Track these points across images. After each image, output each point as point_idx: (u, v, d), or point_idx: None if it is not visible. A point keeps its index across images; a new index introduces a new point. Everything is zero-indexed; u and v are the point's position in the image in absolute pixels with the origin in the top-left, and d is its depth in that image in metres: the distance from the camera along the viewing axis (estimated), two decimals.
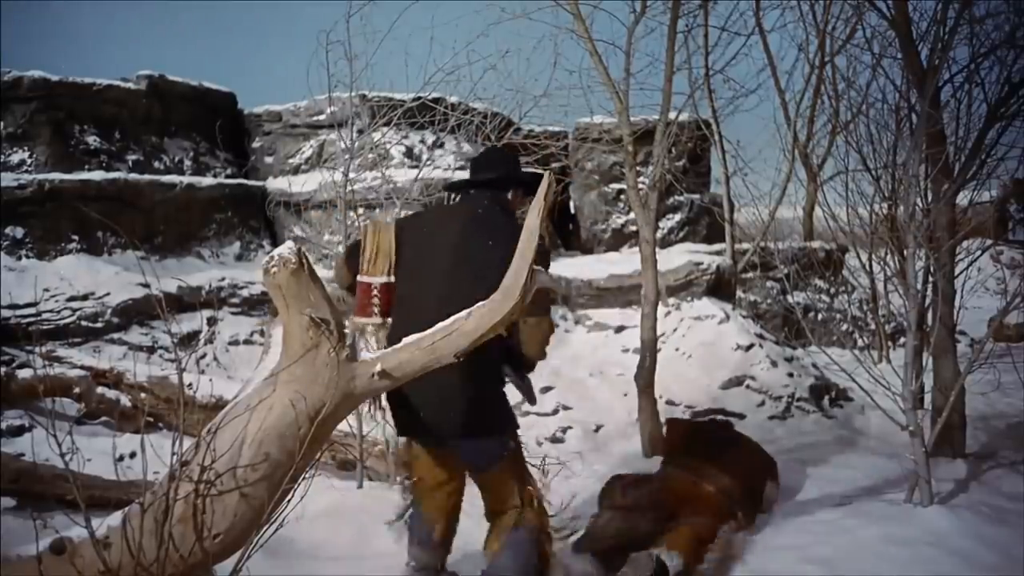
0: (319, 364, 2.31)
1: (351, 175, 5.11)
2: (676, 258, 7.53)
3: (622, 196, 8.86)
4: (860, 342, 8.88)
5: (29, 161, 7.56)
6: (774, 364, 6.58)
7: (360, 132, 5.54)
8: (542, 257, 2.55)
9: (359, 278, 3.03)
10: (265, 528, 2.21)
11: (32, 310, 6.32)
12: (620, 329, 7.09)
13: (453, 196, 3.80)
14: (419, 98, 5.66)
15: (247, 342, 7.18)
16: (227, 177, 8.88)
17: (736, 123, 21.57)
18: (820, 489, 4.44)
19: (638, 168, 5.87)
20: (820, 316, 9.15)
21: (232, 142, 9.26)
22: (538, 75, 9.08)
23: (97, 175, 7.53)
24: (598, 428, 5.94)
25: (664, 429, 5.07)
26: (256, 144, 9.39)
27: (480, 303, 2.39)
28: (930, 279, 5.20)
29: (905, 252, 4.60)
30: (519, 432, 3.13)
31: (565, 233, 9.36)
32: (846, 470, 4.77)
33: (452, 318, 2.38)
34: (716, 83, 8.25)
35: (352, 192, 5.24)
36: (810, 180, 9.94)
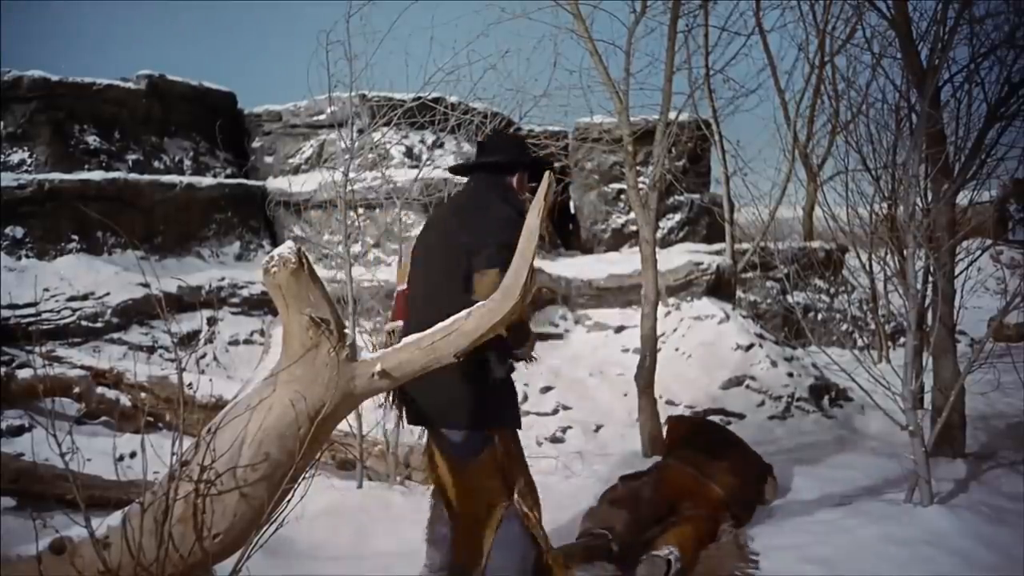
0: (319, 364, 2.31)
1: (351, 175, 5.11)
2: (676, 258, 7.53)
3: (622, 196, 8.86)
4: (860, 342, 8.89)
5: (29, 161, 7.56)
6: (774, 364, 6.59)
7: (360, 132, 5.54)
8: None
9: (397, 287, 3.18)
10: (265, 528, 2.21)
11: (32, 310, 6.32)
12: (620, 329, 7.10)
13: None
14: (419, 98, 5.67)
15: (247, 342, 7.19)
16: (227, 177, 8.88)
17: (736, 123, 21.65)
18: (820, 489, 4.44)
19: (638, 168, 5.88)
20: (820, 316, 9.15)
21: (232, 142, 9.26)
22: (538, 75, 9.07)
23: (97, 175, 7.53)
24: (598, 428, 5.94)
25: (664, 429, 5.07)
26: (256, 144, 9.39)
27: (480, 303, 2.39)
28: (930, 279, 5.20)
29: (905, 252, 4.60)
30: (518, 431, 3.02)
31: (565, 233, 9.35)
32: (846, 470, 4.77)
33: (452, 318, 2.38)
34: (716, 83, 8.27)
35: (352, 192, 5.24)
36: (810, 180, 9.95)
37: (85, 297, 6.71)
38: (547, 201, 2.41)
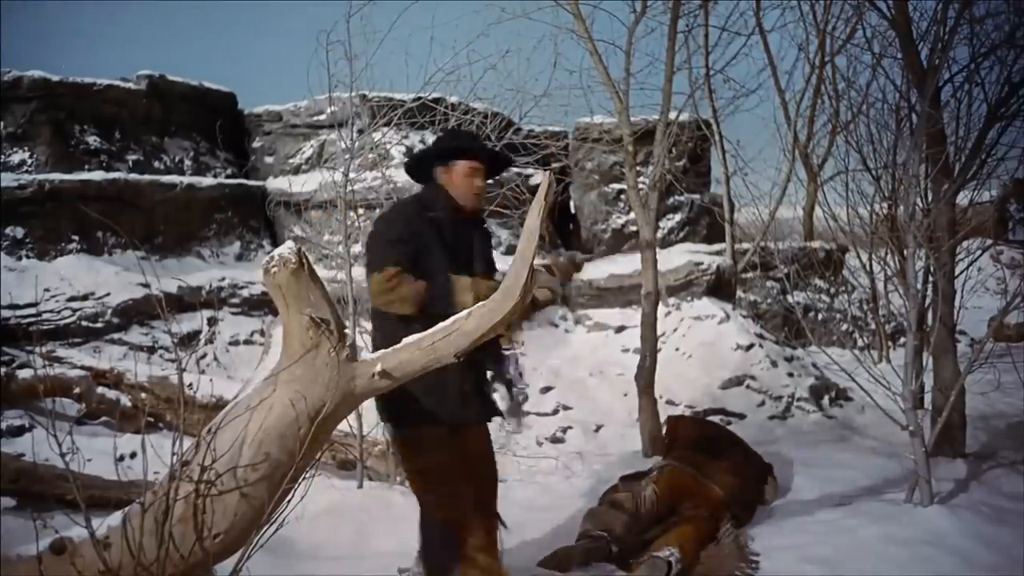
0: (319, 364, 2.31)
1: (351, 175, 5.11)
2: (676, 258, 7.54)
3: (622, 196, 8.85)
4: (860, 342, 8.89)
5: (29, 161, 7.56)
6: (774, 364, 6.59)
7: (360, 132, 5.54)
8: None
9: None
10: (265, 528, 2.21)
11: (32, 310, 6.32)
12: (620, 329, 7.10)
13: None
14: (419, 98, 5.67)
15: (247, 342, 7.19)
16: (227, 177, 8.87)
17: (736, 123, 21.65)
18: (820, 489, 4.44)
19: (638, 168, 5.88)
20: (820, 316, 9.15)
21: (232, 142, 9.25)
22: (538, 75, 9.04)
23: (97, 175, 7.53)
24: (598, 428, 5.95)
25: (664, 429, 5.07)
26: (256, 144, 9.38)
27: (480, 303, 2.39)
28: (930, 279, 5.21)
29: (905, 252, 4.60)
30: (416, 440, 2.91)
31: (565, 233, 9.35)
32: (846, 470, 4.77)
33: (452, 318, 2.39)
34: (716, 83, 8.28)
35: (352, 192, 5.24)
36: (810, 180, 9.95)
37: (85, 297, 6.71)
38: (547, 201, 2.41)
